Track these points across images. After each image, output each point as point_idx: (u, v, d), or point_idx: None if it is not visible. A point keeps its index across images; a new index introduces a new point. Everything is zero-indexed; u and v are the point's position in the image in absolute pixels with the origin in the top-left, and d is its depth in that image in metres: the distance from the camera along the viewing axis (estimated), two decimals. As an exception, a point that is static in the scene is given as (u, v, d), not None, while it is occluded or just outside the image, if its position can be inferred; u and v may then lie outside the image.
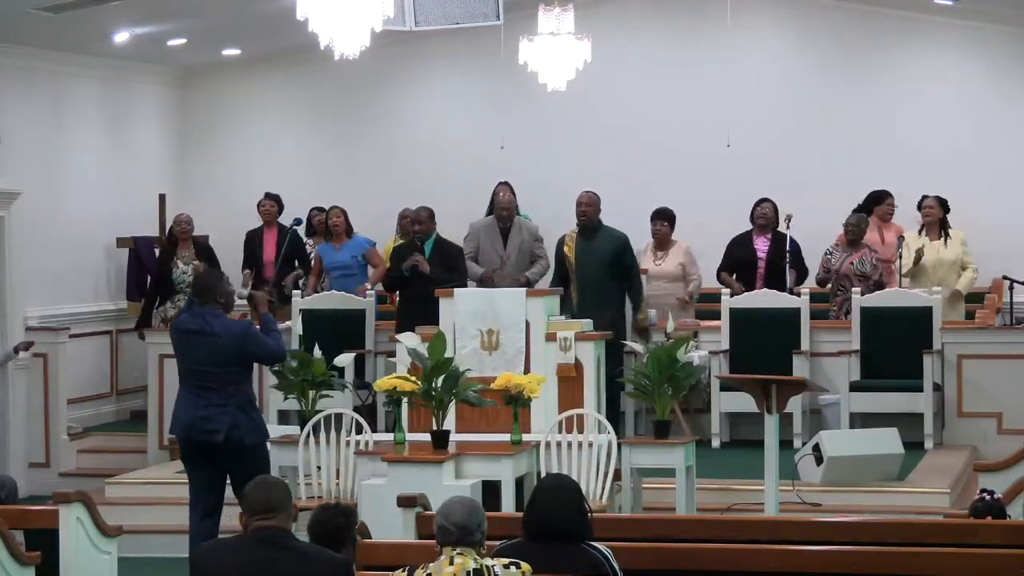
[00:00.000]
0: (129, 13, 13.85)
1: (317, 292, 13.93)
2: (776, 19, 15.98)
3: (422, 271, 12.76)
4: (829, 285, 13.69)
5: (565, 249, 12.67)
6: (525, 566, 5.73)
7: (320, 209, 14.76)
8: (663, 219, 13.81)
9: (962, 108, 15.42)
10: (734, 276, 13.85)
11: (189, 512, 9.46)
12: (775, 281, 13.58)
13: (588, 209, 12.64)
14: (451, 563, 5.69)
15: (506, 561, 5.74)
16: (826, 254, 13.76)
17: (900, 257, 13.57)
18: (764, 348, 12.92)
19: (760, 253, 13.82)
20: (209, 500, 9.36)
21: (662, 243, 13.81)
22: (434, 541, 5.88)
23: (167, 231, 14.68)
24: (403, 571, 5.79)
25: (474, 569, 5.67)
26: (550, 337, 10.95)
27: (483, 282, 13.06)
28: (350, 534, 6.19)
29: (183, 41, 15.24)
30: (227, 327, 9.33)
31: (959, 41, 15.56)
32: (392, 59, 16.02)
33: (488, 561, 5.71)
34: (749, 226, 14.00)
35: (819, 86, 15.75)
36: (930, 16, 15.58)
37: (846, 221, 13.76)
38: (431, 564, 5.73)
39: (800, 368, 12.79)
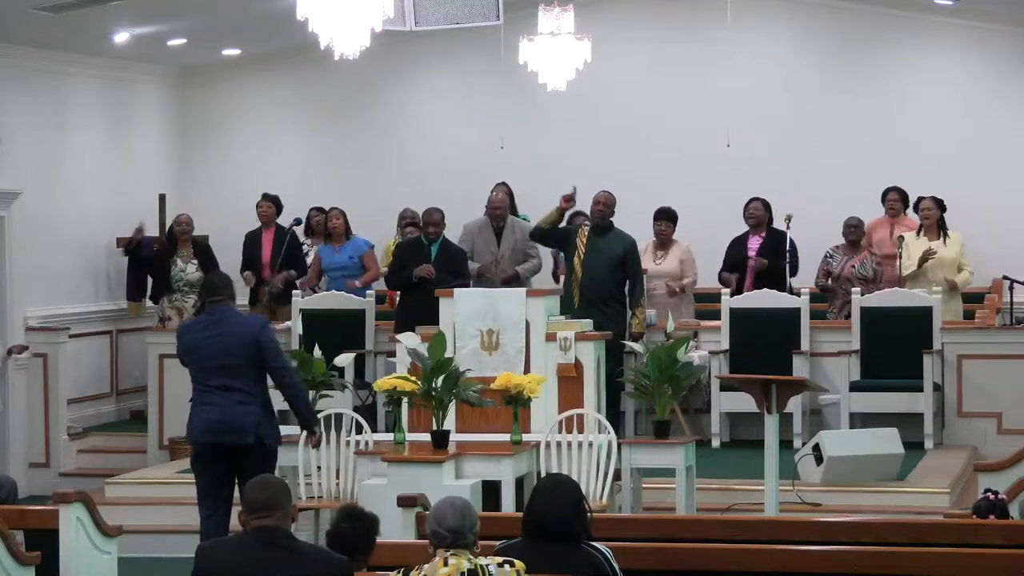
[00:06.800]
0: (129, 13, 13.85)
1: (315, 292, 13.94)
2: (776, 19, 15.98)
3: (427, 276, 12.77)
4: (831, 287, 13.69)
5: (578, 240, 12.65)
6: (519, 564, 5.73)
7: (319, 210, 14.77)
8: (666, 219, 13.80)
9: (962, 108, 15.43)
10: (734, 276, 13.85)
11: (198, 509, 9.27)
12: (764, 279, 13.55)
13: (605, 209, 12.64)
14: (445, 564, 5.69)
15: (500, 560, 5.74)
16: (826, 257, 13.75)
17: (900, 257, 13.57)
18: (764, 348, 12.92)
19: (751, 252, 13.80)
20: (219, 497, 9.19)
21: (664, 243, 13.81)
22: (434, 541, 5.88)
23: (167, 231, 14.68)
24: (398, 572, 5.79)
25: (468, 569, 5.67)
26: (550, 337, 10.96)
27: (480, 277, 13.06)
28: (365, 546, 6.19)
29: (183, 41, 15.24)
30: (246, 318, 9.41)
31: (959, 41, 15.56)
32: (392, 59, 16.03)
33: (482, 560, 5.72)
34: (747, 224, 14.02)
35: (819, 86, 15.76)
36: (930, 16, 15.58)
37: (845, 223, 13.74)
38: (426, 565, 5.74)
39: (800, 368, 12.79)
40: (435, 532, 5.77)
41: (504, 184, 14.23)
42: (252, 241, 14.53)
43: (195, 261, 14.21)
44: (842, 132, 15.57)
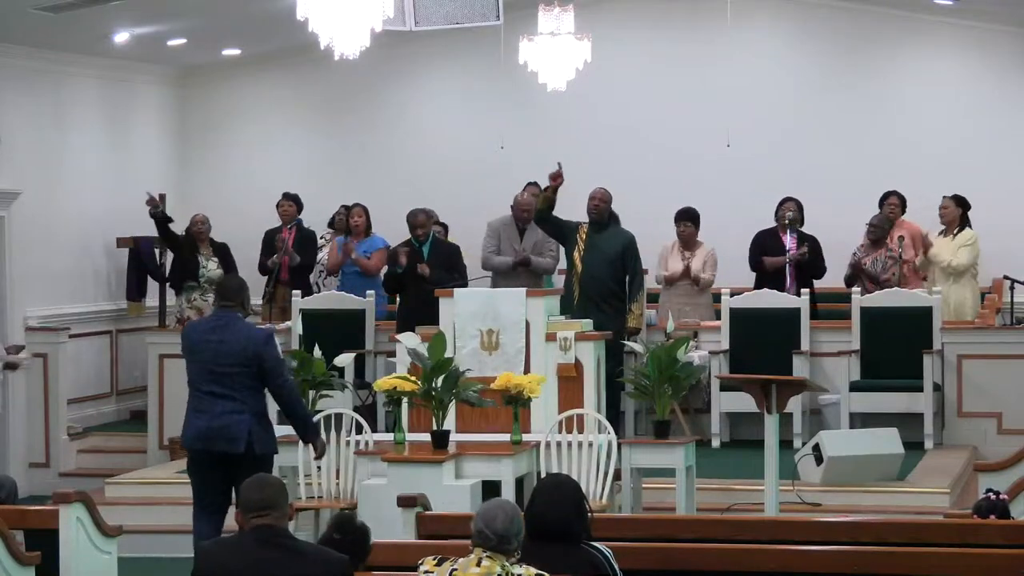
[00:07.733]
0: (129, 13, 13.85)
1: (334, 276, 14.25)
2: (776, 19, 15.98)
3: (422, 274, 12.78)
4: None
5: (578, 236, 12.65)
6: None
7: (347, 207, 14.83)
8: (687, 219, 13.72)
9: (962, 108, 15.43)
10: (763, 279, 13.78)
11: (193, 511, 9.26)
12: (805, 279, 13.52)
13: (601, 205, 12.64)
14: (478, 564, 5.66)
15: (534, 573, 5.70)
16: (853, 255, 13.71)
17: (900, 256, 13.56)
18: (764, 348, 12.92)
19: (789, 251, 13.71)
20: (215, 500, 9.16)
21: (688, 243, 13.74)
22: (434, 540, 5.86)
23: (184, 231, 14.65)
24: (432, 559, 5.77)
25: (498, 575, 5.64)
26: (550, 337, 10.96)
27: (517, 265, 13.04)
28: (358, 553, 6.18)
29: (183, 41, 15.25)
30: (250, 328, 9.28)
31: (959, 41, 15.56)
32: (392, 59, 16.03)
33: (516, 569, 5.67)
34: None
35: (819, 86, 15.76)
36: (930, 16, 15.58)
37: (868, 221, 13.69)
38: (460, 559, 5.72)
39: (800, 368, 12.80)
40: (480, 532, 5.73)
41: (535, 184, 14.24)
42: (273, 238, 14.53)
43: (215, 259, 14.29)
44: (842, 132, 15.57)
